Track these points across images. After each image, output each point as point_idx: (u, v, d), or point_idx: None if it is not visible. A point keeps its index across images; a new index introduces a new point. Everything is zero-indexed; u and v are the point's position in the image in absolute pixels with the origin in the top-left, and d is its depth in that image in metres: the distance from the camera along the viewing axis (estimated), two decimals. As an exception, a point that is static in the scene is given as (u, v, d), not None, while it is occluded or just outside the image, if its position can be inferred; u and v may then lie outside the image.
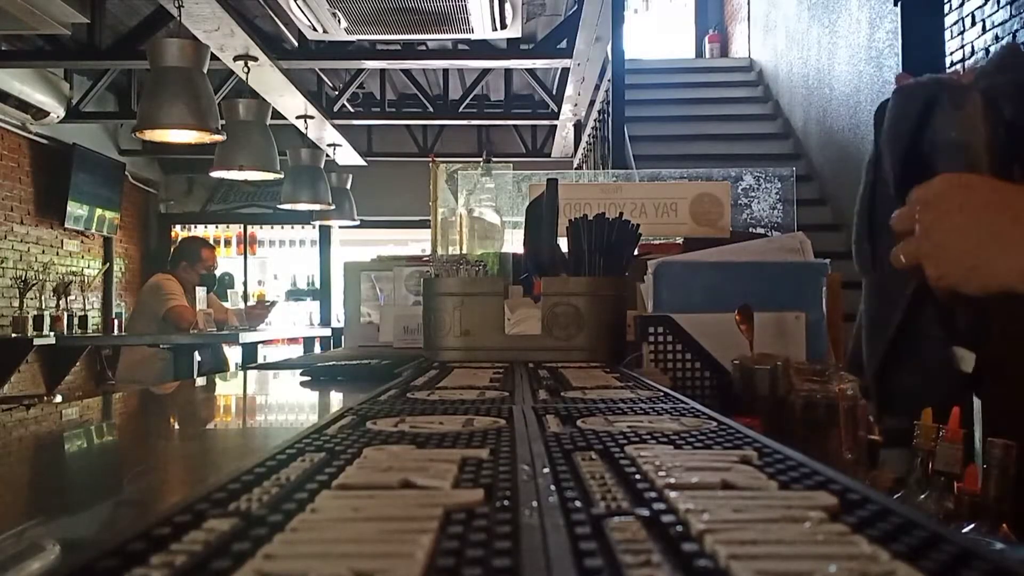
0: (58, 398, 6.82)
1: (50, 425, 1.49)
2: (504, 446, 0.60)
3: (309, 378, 1.84)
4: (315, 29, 5.02)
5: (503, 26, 5.00)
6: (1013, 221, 0.82)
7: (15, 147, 7.31)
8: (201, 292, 5.23)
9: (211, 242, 7.19)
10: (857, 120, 6.43)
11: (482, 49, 6.15)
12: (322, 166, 6.77)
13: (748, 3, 10.78)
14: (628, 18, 7.78)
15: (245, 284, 10.04)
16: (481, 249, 2.19)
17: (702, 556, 0.35)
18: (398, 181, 9.28)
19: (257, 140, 5.24)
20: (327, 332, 8.15)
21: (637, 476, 0.50)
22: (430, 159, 2.61)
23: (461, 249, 2.23)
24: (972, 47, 5.08)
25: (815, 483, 0.47)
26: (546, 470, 0.52)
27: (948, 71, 5.19)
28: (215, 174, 5.39)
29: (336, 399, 1.67)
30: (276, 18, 5.46)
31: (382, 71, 7.70)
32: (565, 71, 6.73)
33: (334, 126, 7.68)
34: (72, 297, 7.87)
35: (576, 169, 8.38)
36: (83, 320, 7.57)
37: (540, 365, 1.42)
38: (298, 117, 7.03)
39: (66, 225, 7.80)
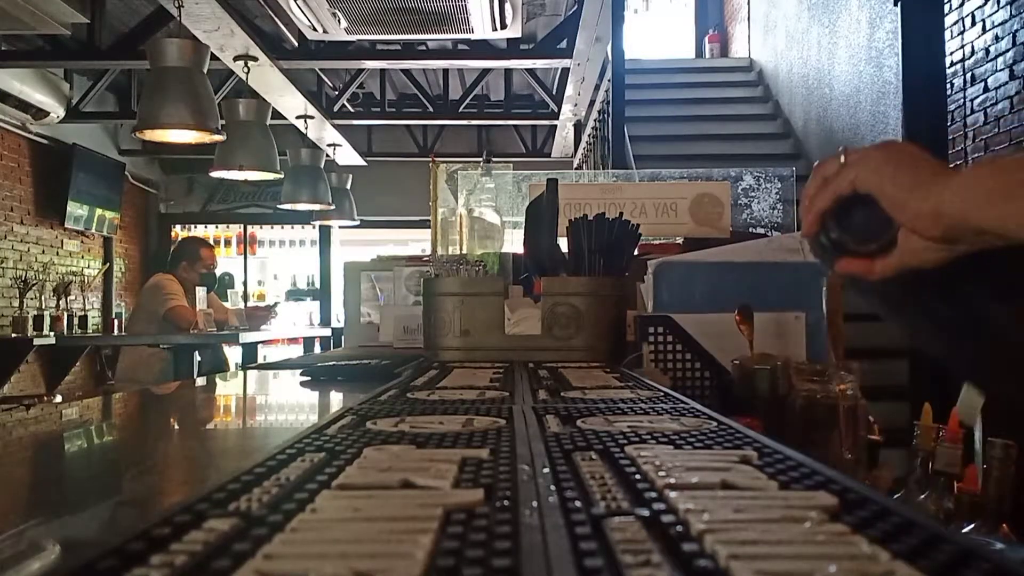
0: (58, 398, 6.81)
1: (50, 425, 1.49)
2: (504, 446, 0.60)
3: (309, 378, 1.84)
4: (315, 29, 5.02)
5: (503, 26, 5.00)
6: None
7: (15, 147, 7.31)
8: (201, 292, 5.23)
9: (211, 242, 7.19)
10: (857, 120, 6.43)
11: (482, 49, 6.15)
12: (322, 166, 6.77)
13: (748, 3, 10.78)
14: (628, 18, 7.76)
15: (245, 284, 10.04)
16: (481, 249, 2.18)
17: (702, 556, 0.35)
18: (398, 181, 9.28)
19: (257, 140, 5.24)
20: (327, 332, 8.14)
21: (637, 476, 0.49)
22: (430, 159, 2.61)
23: (461, 249, 2.22)
24: (972, 47, 5.07)
25: (815, 483, 0.47)
26: (546, 470, 0.52)
27: (948, 71, 5.19)
28: (215, 174, 5.39)
29: (336, 399, 1.66)
30: (276, 18, 5.45)
31: (382, 71, 7.70)
32: (565, 71, 6.72)
33: (334, 126, 7.68)
34: (72, 297, 7.87)
35: (576, 169, 8.38)
36: (83, 320, 7.57)
37: (540, 365, 1.42)
38: (298, 117, 7.03)
39: (66, 225, 7.79)
